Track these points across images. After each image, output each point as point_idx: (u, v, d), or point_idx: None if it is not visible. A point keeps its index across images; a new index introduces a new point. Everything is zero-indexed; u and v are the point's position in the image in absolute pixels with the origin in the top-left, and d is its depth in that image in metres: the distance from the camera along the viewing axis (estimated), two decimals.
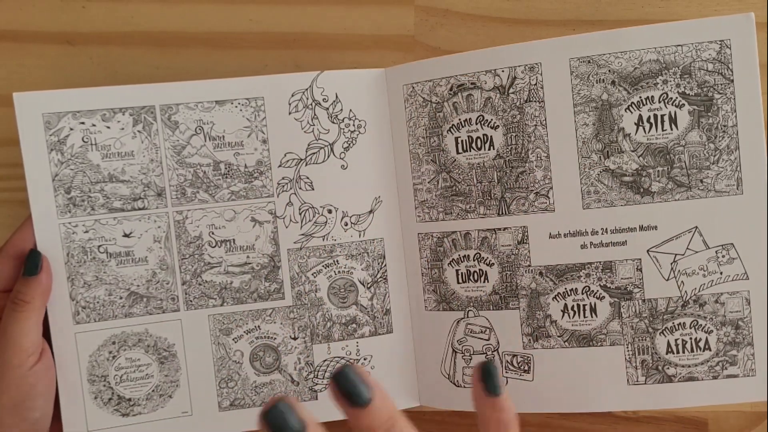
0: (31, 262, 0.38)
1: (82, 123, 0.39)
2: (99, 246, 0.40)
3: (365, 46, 0.45)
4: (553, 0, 0.44)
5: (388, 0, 0.45)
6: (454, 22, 0.45)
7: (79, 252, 0.40)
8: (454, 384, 0.43)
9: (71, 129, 0.39)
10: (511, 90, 0.40)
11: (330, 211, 0.42)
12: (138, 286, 0.40)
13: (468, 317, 0.42)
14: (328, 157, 0.42)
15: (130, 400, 0.41)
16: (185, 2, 0.44)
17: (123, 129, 0.40)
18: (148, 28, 0.44)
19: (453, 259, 0.42)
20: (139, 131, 0.40)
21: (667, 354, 0.40)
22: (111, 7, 0.44)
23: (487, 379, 0.29)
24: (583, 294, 0.41)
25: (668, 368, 0.40)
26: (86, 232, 0.40)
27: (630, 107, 0.39)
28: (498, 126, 0.41)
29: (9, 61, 0.44)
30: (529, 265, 0.41)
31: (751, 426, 0.44)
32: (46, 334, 0.39)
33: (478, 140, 0.41)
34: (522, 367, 0.42)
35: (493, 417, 0.29)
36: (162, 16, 0.44)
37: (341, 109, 0.42)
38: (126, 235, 0.40)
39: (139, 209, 0.40)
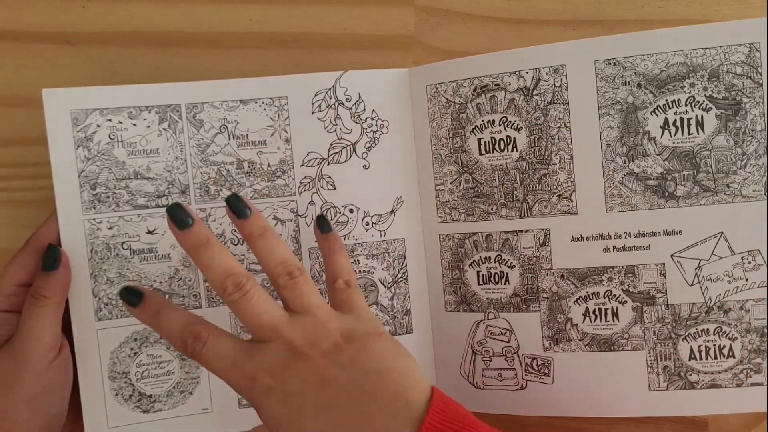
0: (49, 257, 0.38)
1: (109, 120, 0.40)
2: (123, 242, 0.40)
3: (365, 46, 0.45)
4: (553, 0, 0.44)
5: (388, 0, 0.45)
6: (454, 22, 0.45)
7: (103, 248, 0.40)
8: (473, 385, 0.42)
9: (98, 126, 0.40)
10: (535, 92, 0.40)
11: (351, 211, 0.42)
12: (161, 282, 0.41)
13: (488, 319, 0.42)
14: (351, 156, 0.42)
15: (150, 396, 0.41)
16: (185, 2, 0.44)
17: (149, 127, 0.40)
18: (148, 28, 0.44)
19: (474, 260, 0.42)
20: (164, 129, 0.40)
21: (689, 360, 0.40)
22: (111, 7, 0.44)
23: (320, 223, 0.39)
24: (605, 298, 0.40)
25: (691, 375, 0.40)
26: (110, 228, 0.40)
27: (656, 110, 0.39)
28: (521, 128, 0.40)
29: (9, 61, 0.44)
30: (551, 268, 0.41)
31: (751, 426, 0.44)
32: (66, 330, 0.39)
33: (501, 142, 0.41)
34: (542, 371, 0.41)
35: (325, 245, 0.39)
36: (162, 16, 0.44)
37: (364, 109, 0.42)
38: (150, 232, 0.40)
39: (164, 206, 0.40)
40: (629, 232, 0.40)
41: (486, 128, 0.41)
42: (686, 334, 0.40)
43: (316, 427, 0.31)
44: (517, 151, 0.41)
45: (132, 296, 0.35)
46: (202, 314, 0.41)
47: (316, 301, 0.34)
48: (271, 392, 0.32)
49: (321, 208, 0.42)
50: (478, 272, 0.42)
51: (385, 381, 0.32)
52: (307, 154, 0.42)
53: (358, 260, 0.42)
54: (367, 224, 0.42)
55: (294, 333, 0.33)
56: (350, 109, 0.42)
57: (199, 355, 0.33)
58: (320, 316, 0.34)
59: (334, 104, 0.42)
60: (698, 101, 0.39)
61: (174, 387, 0.41)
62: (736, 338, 0.39)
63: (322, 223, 0.39)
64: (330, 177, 0.42)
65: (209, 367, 0.33)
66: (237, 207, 0.35)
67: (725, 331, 0.39)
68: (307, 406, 0.32)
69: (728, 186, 0.39)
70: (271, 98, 0.41)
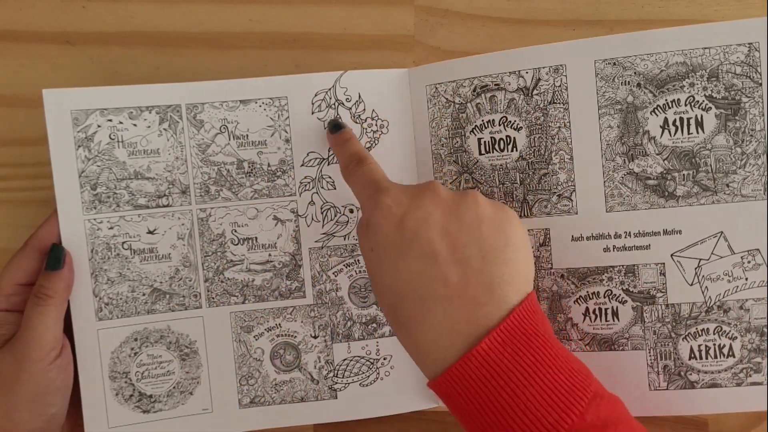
0: (54, 257, 0.38)
1: (110, 120, 0.40)
2: (123, 242, 0.40)
3: (365, 46, 0.45)
4: (553, 0, 0.44)
5: (388, 0, 0.45)
6: (454, 22, 0.45)
7: (104, 248, 0.40)
8: None
9: (99, 126, 0.40)
10: (535, 91, 0.40)
11: (352, 211, 0.42)
12: (161, 282, 0.41)
13: None
14: None
15: (151, 396, 0.41)
16: (185, 2, 0.44)
17: (149, 127, 0.40)
18: (148, 28, 0.44)
19: None
20: (165, 129, 0.40)
21: (689, 360, 0.40)
22: (111, 7, 0.44)
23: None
24: (605, 297, 0.40)
25: (691, 374, 0.40)
26: (111, 228, 0.40)
27: (655, 110, 0.39)
28: (521, 127, 0.41)
29: (9, 61, 0.44)
30: (551, 268, 0.41)
31: (751, 426, 0.44)
32: (67, 330, 0.39)
33: (501, 141, 0.41)
34: None
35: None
36: (162, 16, 0.44)
37: (364, 109, 0.42)
38: (150, 232, 0.40)
39: (164, 206, 0.40)
40: (629, 232, 0.40)
41: (486, 128, 0.41)
42: (686, 333, 0.40)
43: (416, 269, 0.33)
44: (516, 150, 0.41)
45: (334, 127, 0.40)
46: (201, 314, 0.41)
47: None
48: (391, 216, 0.34)
49: (321, 209, 0.42)
50: None
51: (491, 266, 0.33)
52: (307, 154, 0.42)
53: (358, 260, 0.42)
54: None
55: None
56: (350, 109, 0.42)
57: (354, 171, 0.38)
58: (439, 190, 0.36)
59: (334, 104, 0.42)
60: (698, 101, 0.39)
61: (174, 387, 0.41)
62: (736, 337, 0.39)
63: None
64: (330, 177, 0.42)
65: (356, 185, 0.38)
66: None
67: (725, 331, 0.39)
68: (418, 245, 0.33)
69: (728, 185, 0.39)
70: (271, 98, 0.41)
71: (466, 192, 0.35)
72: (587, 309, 0.41)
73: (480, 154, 0.41)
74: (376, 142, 0.42)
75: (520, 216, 0.41)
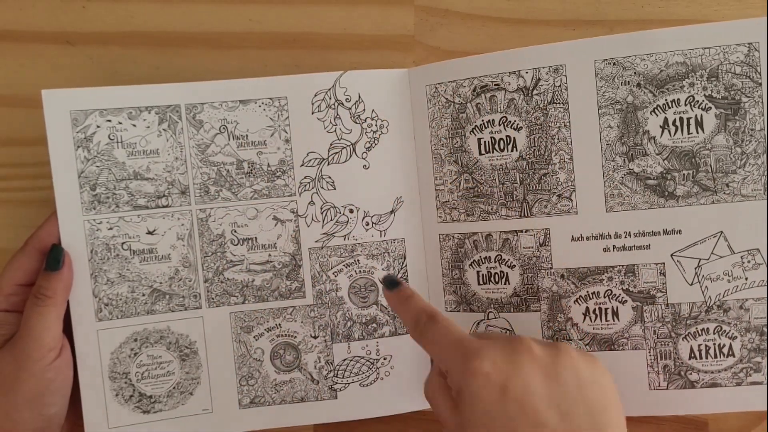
0: (53, 257, 0.38)
1: (109, 121, 0.40)
2: (123, 243, 0.40)
3: (365, 46, 0.45)
4: (553, 0, 0.44)
5: (388, 0, 0.45)
6: (454, 22, 0.45)
7: (103, 249, 0.40)
8: None
9: (98, 126, 0.40)
10: (534, 91, 0.40)
11: (351, 211, 0.42)
12: (161, 283, 0.41)
13: (488, 319, 0.42)
14: (350, 156, 0.42)
15: (151, 397, 0.41)
16: (185, 2, 0.44)
17: (149, 127, 0.40)
18: (148, 28, 0.44)
19: (474, 260, 0.42)
20: (164, 129, 0.40)
21: (689, 359, 0.40)
22: (111, 7, 0.44)
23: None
24: (605, 297, 0.40)
25: (691, 374, 0.40)
26: (110, 229, 0.40)
27: (655, 110, 0.39)
28: (521, 127, 0.41)
29: (9, 61, 0.44)
30: (551, 268, 0.41)
31: (751, 426, 0.44)
32: (67, 331, 0.39)
33: (501, 141, 0.41)
34: None
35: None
36: (162, 16, 0.44)
37: (364, 109, 0.42)
38: (150, 233, 0.40)
39: (163, 207, 0.40)
40: (629, 232, 0.40)
41: (486, 128, 0.41)
42: (686, 333, 0.40)
43: None
44: (516, 150, 0.41)
45: (391, 284, 0.38)
46: (201, 315, 0.41)
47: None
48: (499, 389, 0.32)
49: (321, 209, 0.42)
50: (478, 272, 0.42)
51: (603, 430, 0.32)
52: (307, 155, 0.42)
53: (358, 260, 0.42)
54: (367, 224, 0.42)
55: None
56: (350, 109, 0.42)
57: (424, 335, 0.35)
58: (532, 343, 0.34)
59: (334, 104, 0.42)
60: (698, 101, 0.39)
61: (174, 387, 0.41)
62: (736, 337, 0.39)
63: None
64: (330, 177, 0.42)
65: (429, 348, 0.35)
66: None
67: (725, 330, 0.39)
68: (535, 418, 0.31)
69: (728, 185, 0.39)
70: (271, 98, 0.41)
71: (558, 348, 0.33)
72: (587, 309, 0.41)
73: (480, 154, 0.41)
74: (376, 142, 0.42)
75: (520, 216, 0.41)
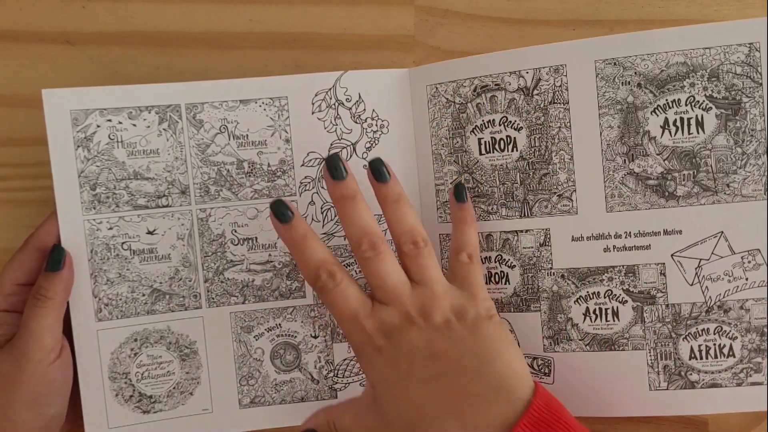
0: (54, 258, 0.38)
1: (109, 120, 0.40)
2: (123, 243, 0.40)
3: (365, 46, 0.45)
4: (553, 0, 0.44)
5: (388, 0, 0.45)
6: (454, 22, 0.45)
7: (103, 249, 0.40)
8: None
9: (98, 126, 0.40)
10: (535, 91, 0.40)
11: None
12: (161, 283, 0.41)
13: None
14: (351, 156, 0.42)
15: (151, 397, 0.41)
16: (185, 2, 0.44)
17: (149, 127, 0.40)
18: (148, 28, 0.44)
19: None
20: (164, 129, 0.40)
21: (690, 360, 0.40)
22: (111, 7, 0.44)
23: (457, 192, 0.40)
24: (605, 298, 0.40)
25: (691, 374, 0.40)
26: (110, 228, 0.40)
27: (656, 110, 0.39)
28: (522, 127, 0.41)
29: (9, 61, 0.44)
30: (551, 268, 0.41)
31: (751, 426, 0.44)
32: (66, 331, 0.39)
33: (501, 142, 0.41)
34: (542, 370, 0.41)
35: (458, 215, 0.40)
36: (162, 16, 0.44)
37: (364, 109, 0.42)
38: (150, 233, 0.40)
39: (163, 207, 0.40)
40: (629, 232, 0.40)
41: (486, 128, 0.41)
42: (686, 333, 0.40)
43: (418, 394, 0.34)
44: (517, 150, 0.41)
45: (283, 211, 0.36)
46: (202, 314, 0.41)
47: (436, 276, 0.36)
48: (382, 353, 0.35)
49: (321, 209, 0.42)
50: None
51: (490, 366, 0.34)
52: (308, 154, 0.42)
53: None
54: None
55: (411, 301, 0.35)
56: (350, 109, 0.42)
57: (328, 293, 0.35)
58: (437, 290, 0.36)
59: (334, 104, 0.42)
60: (698, 101, 0.39)
61: (174, 387, 0.41)
62: (736, 337, 0.39)
63: (458, 192, 0.40)
64: None
65: (332, 309, 0.36)
66: (379, 170, 0.37)
67: (725, 331, 0.39)
68: (414, 373, 0.34)
69: (728, 186, 0.39)
70: (271, 98, 0.41)
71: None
72: (587, 309, 0.41)
73: (480, 154, 0.41)
74: (376, 142, 0.42)
75: (521, 216, 0.41)
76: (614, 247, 0.40)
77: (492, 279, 0.42)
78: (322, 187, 0.42)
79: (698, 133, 0.39)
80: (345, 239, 0.42)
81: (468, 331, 0.35)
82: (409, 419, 0.34)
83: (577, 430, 0.33)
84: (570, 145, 0.40)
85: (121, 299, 0.40)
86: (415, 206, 0.43)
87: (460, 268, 0.38)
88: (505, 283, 0.41)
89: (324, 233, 0.42)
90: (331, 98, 0.42)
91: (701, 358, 0.40)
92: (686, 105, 0.39)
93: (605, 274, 0.40)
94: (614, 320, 0.40)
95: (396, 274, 0.36)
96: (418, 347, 0.34)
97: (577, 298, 0.41)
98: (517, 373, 0.34)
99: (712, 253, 0.39)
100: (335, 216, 0.42)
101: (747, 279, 0.39)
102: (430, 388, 0.34)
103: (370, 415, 0.36)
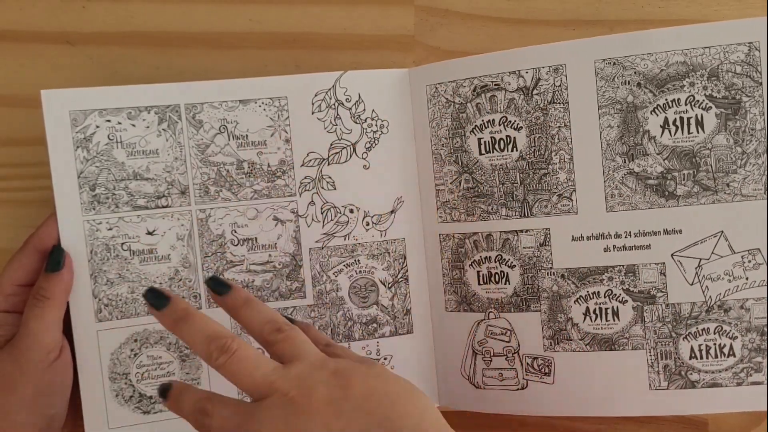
0: (54, 259, 0.38)
1: (108, 121, 0.40)
2: (122, 243, 0.40)
3: (365, 46, 0.45)
4: (553, 0, 0.44)
5: (388, 0, 0.45)
6: (454, 22, 0.45)
7: (103, 249, 0.40)
8: (474, 385, 0.42)
9: (97, 127, 0.39)
10: (534, 91, 0.40)
11: (352, 211, 0.42)
12: (161, 283, 0.40)
13: (488, 319, 0.42)
14: (351, 156, 0.42)
15: (151, 397, 0.41)
16: (185, 2, 0.44)
17: (148, 127, 0.40)
18: (148, 28, 0.44)
19: (474, 260, 0.42)
20: (164, 129, 0.40)
21: (690, 359, 0.40)
22: (111, 7, 0.44)
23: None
24: (605, 297, 0.40)
25: (691, 374, 0.40)
26: (110, 229, 0.40)
27: (656, 109, 0.39)
28: (521, 127, 0.41)
29: (9, 61, 0.44)
30: (551, 268, 0.41)
31: (751, 426, 0.44)
32: (66, 332, 0.39)
33: (501, 141, 0.41)
34: (542, 370, 0.41)
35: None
36: (162, 16, 0.44)
37: (364, 109, 0.42)
38: (149, 233, 0.40)
39: (163, 207, 0.40)
40: (629, 232, 0.40)
41: (486, 128, 0.41)
42: (687, 333, 0.40)
43: None
44: (517, 150, 0.41)
45: (157, 299, 0.34)
46: None
47: (309, 348, 0.33)
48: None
49: (321, 209, 0.42)
50: (478, 272, 0.42)
51: (401, 425, 0.30)
52: (307, 155, 0.42)
53: (358, 260, 0.42)
54: (368, 224, 0.42)
55: (290, 383, 0.31)
56: (350, 109, 0.42)
57: (223, 367, 0.32)
58: (314, 360, 0.32)
59: (334, 104, 0.42)
60: (698, 100, 0.39)
61: None
62: (737, 337, 0.39)
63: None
64: (330, 177, 0.42)
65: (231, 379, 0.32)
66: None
67: (725, 330, 0.39)
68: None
69: (728, 185, 0.39)
70: (271, 98, 0.41)
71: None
72: (588, 309, 0.41)
73: (480, 154, 0.41)
74: (376, 142, 0.42)
75: (521, 216, 0.41)
76: (614, 246, 0.40)
77: (492, 279, 0.42)
78: (322, 188, 0.42)
79: (698, 132, 0.39)
80: (345, 239, 0.42)
81: (362, 396, 0.31)
82: None
83: None
84: (570, 145, 0.40)
85: (121, 300, 0.40)
86: (415, 206, 0.43)
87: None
88: (505, 283, 0.41)
89: (324, 233, 0.42)
90: (330, 98, 0.42)
91: (701, 358, 0.40)
92: (686, 104, 0.39)
93: (605, 274, 0.40)
94: (614, 320, 0.40)
95: (263, 362, 0.32)
96: None
97: (577, 298, 0.41)
98: (431, 422, 0.31)
99: (712, 252, 0.39)
100: (335, 216, 0.42)
101: (747, 278, 0.39)
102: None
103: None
